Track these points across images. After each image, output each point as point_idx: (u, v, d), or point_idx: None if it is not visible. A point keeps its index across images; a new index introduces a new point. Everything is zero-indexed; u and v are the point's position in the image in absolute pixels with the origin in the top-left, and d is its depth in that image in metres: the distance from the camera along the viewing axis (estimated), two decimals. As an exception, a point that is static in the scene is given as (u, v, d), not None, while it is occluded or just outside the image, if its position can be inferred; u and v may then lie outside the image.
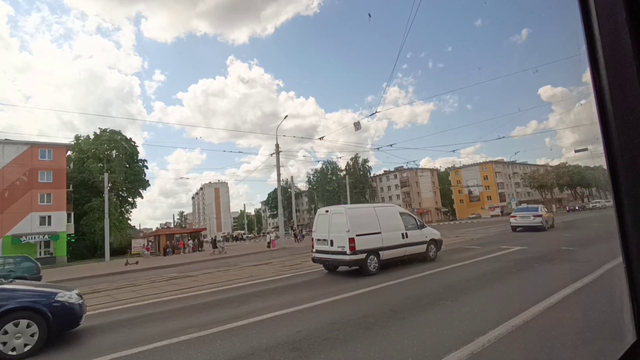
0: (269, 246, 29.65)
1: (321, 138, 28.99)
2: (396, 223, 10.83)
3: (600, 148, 1.00)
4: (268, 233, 36.03)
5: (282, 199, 32.84)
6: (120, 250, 41.36)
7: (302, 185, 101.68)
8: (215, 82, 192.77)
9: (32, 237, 37.26)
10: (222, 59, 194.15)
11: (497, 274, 8.47)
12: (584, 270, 7.27)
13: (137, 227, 74.61)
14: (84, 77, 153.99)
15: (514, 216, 21.38)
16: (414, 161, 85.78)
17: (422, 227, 11.55)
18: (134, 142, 52.89)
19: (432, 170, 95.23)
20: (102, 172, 42.43)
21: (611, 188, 0.99)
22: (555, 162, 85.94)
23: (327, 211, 10.94)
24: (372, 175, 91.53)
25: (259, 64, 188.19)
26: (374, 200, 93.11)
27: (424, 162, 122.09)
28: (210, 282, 11.11)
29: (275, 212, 78.08)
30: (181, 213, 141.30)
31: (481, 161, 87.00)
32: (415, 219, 11.72)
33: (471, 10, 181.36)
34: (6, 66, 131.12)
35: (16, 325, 4.85)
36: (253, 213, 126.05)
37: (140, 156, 54.17)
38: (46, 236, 38.13)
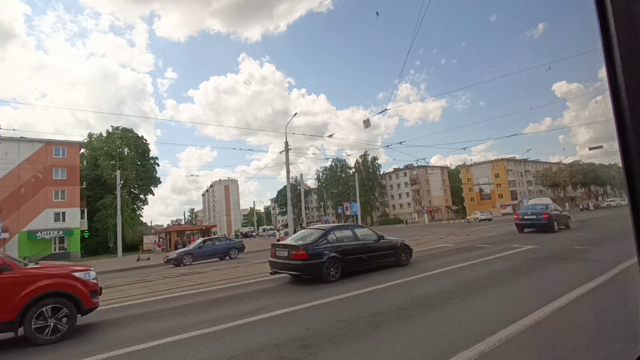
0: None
1: (330, 136, 29.27)
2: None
3: (615, 146, 0.98)
4: (277, 230, 36.17)
5: (291, 197, 32.88)
6: (132, 247, 42.05)
7: (312, 183, 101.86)
8: (227, 80, 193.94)
9: (47, 233, 38.15)
10: (234, 57, 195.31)
11: (508, 273, 8.37)
12: (598, 270, 7.14)
13: (149, 224, 75.89)
14: (97, 75, 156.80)
15: None
16: (424, 159, 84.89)
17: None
18: (146, 140, 53.77)
19: (442, 168, 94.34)
20: (114, 169, 43.12)
21: (627, 187, 0.97)
22: (568, 160, 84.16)
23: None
24: (381, 173, 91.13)
25: (270, 61, 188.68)
26: (383, 198, 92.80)
27: (435, 160, 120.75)
28: (220, 278, 11.21)
29: (284, 210, 78.43)
30: (192, 210, 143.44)
31: (493, 159, 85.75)
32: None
33: (485, 5, 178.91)
34: (22, 65, 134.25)
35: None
36: (262, 210, 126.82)
37: (153, 154, 55.29)
38: (61, 232, 38.99)
